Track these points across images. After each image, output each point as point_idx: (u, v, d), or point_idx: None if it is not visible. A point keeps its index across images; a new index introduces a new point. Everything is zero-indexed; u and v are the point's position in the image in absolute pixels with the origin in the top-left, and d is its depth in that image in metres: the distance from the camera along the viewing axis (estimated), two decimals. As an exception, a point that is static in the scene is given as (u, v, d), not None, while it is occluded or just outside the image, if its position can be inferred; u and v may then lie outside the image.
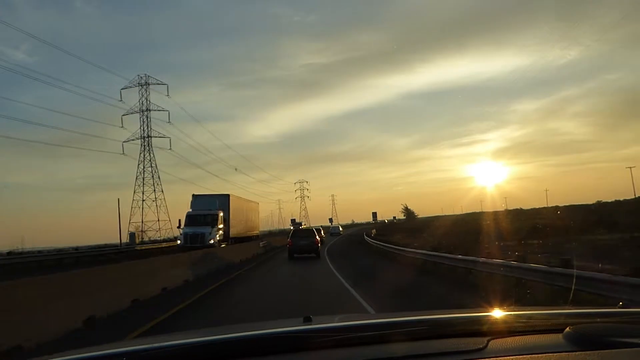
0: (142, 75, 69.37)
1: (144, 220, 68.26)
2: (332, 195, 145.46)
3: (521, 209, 72.71)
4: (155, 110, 68.92)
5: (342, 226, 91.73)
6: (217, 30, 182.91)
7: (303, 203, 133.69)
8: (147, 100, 68.59)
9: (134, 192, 69.43)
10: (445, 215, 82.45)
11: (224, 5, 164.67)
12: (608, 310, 1.75)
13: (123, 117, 67.47)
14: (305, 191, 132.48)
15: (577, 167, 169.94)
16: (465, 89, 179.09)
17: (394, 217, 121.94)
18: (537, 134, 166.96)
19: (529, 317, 1.72)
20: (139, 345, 1.59)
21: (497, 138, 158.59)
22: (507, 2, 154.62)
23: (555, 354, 1.36)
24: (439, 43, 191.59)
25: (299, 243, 25.91)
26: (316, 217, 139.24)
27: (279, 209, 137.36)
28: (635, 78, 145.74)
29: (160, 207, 69.39)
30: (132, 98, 68.85)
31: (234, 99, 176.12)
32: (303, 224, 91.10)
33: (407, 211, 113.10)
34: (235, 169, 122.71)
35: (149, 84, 69.33)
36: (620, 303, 1.95)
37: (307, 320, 1.77)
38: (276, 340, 1.56)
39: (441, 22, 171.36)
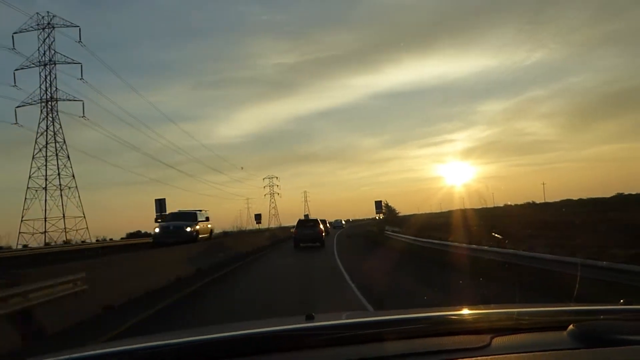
0: (43, 15, 48.37)
1: (47, 217, 48.00)
2: (305, 192, 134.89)
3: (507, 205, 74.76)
4: (62, 62, 48.64)
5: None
6: (183, 30, 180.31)
7: (273, 200, 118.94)
8: (50, 48, 48.30)
9: (29, 177, 48.44)
10: (425, 213, 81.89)
11: (190, 4, 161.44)
12: (611, 307, 1.75)
13: (16, 72, 48.07)
14: (275, 187, 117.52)
15: (543, 166, 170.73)
16: (433, 90, 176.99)
17: (378, 215, 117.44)
18: (504, 134, 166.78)
19: (532, 314, 1.71)
20: (140, 343, 1.58)
21: (464, 138, 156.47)
22: (474, 4, 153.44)
23: (559, 352, 1.36)
24: (408, 44, 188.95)
25: (304, 232, 26.85)
26: (287, 215, 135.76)
27: (248, 208, 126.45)
28: (598, 80, 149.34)
29: (70, 199, 49.04)
30: (30, 46, 51.60)
31: (201, 98, 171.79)
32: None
33: (388, 208, 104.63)
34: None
35: (53, 27, 48.23)
36: (622, 300, 1.92)
37: (310, 318, 1.77)
38: (278, 338, 1.56)
39: (410, 23, 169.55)
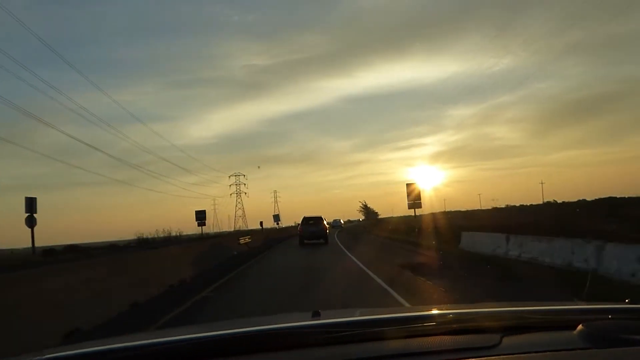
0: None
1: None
2: (275, 191, 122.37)
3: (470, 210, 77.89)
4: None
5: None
6: (153, 28, 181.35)
7: (239, 199, 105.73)
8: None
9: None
10: (398, 216, 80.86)
11: (160, 2, 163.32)
12: (621, 307, 1.74)
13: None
14: (242, 186, 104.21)
15: (507, 171, 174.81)
16: (404, 94, 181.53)
17: (360, 218, 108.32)
18: (472, 138, 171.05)
19: (542, 312, 1.71)
20: (147, 339, 1.56)
21: (434, 142, 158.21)
22: (446, 11, 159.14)
23: (568, 352, 1.35)
24: (380, 48, 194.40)
25: (308, 230, 27.78)
26: (254, 217, 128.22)
27: (214, 209, 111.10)
28: (563, 87, 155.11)
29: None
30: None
31: (171, 98, 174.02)
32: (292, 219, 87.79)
33: (367, 210, 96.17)
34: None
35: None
36: (627, 300, 1.90)
37: (316, 315, 1.75)
38: (284, 336, 1.54)
39: (383, 27, 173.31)
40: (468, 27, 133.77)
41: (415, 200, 29.03)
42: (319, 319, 1.70)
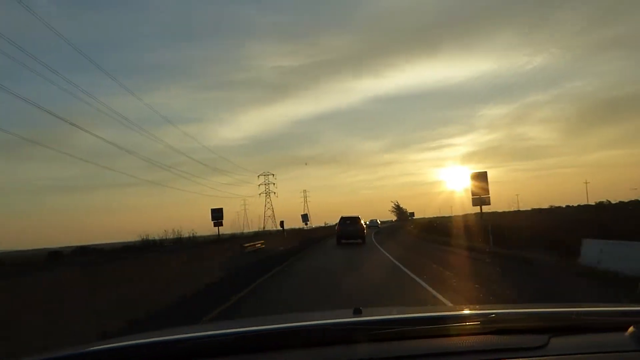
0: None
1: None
2: (304, 191, 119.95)
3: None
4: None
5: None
6: (184, 32, 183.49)
7: (268, 199, 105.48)
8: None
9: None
10: (431, 217, 77.25)
11: (191, 6, 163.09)
12: None
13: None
14: (272, 186, 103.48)
15: (543, 172, 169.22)
16: (433, 94, 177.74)
17: (400, 217, 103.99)
18: (505, 139, 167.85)
19: (591, 314, 1.66)
20: (189, 333, 1.63)
21: (465, 142, 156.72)
22: (475, 9, 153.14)
23: (619, 354, 1.33)
24: (408, 48, 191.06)
25: (346, 229, 28.09)
26: (284, 217, 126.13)
27: (244, 208, 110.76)
28: (598, 85, 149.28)
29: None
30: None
31: (201, 100, 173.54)
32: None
33: (399, 210, 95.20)
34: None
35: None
36: None
37: (357, 312, 1.74)
38: (325, 332, 1.55)
39: (411, 26, 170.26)
40: (499, 24, 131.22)
41: (482, 195, 21.51)
42: (361, 316, 1.69)
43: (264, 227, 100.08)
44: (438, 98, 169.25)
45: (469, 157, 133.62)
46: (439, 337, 1.44)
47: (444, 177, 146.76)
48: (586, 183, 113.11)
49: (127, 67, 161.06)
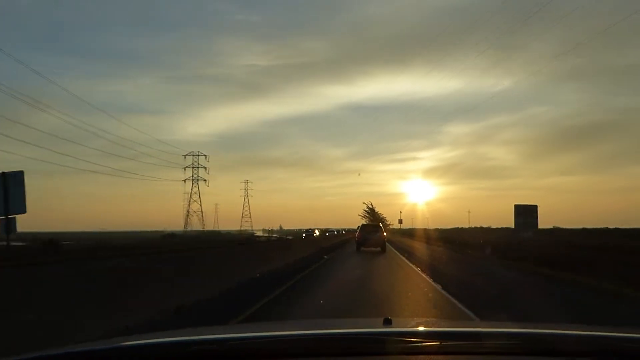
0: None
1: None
2: (246, 181, 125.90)
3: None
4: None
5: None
6: (155, 22, 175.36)
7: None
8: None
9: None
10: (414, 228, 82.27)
11: None
12: None
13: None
14: (202, 170, 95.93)
15: (498, 192, 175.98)
16: (402, 106, 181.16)
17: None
18: (467, 156, 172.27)
19: (629, 340, 1.56)
20: (213, 334, 1.63)
21: (429, 157, 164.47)
22: (449, 26, 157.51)
23: None
24: (381, 58, 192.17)
25: (366, 237, 27.66)
26: (225, 214, 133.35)
27: (216, 210, 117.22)
28: (558, 113, 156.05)
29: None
30: None
31: (168, 93, 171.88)
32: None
33: (373, 214, 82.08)
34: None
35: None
36: None
37: (387, 322, 1.68)
38: (354, 341, 1.53)
39: (385, 38, 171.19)
40: (471, 43, 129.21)
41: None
42: (391, 327, 1.65)
43: (184, 227, 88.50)
44: (406, 111, 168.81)
45: (430, 172, 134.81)
46: (473, 354, 1.39)
47: (406, 189, 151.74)
48: (469, 212, 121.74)
49: (92, 50, 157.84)
